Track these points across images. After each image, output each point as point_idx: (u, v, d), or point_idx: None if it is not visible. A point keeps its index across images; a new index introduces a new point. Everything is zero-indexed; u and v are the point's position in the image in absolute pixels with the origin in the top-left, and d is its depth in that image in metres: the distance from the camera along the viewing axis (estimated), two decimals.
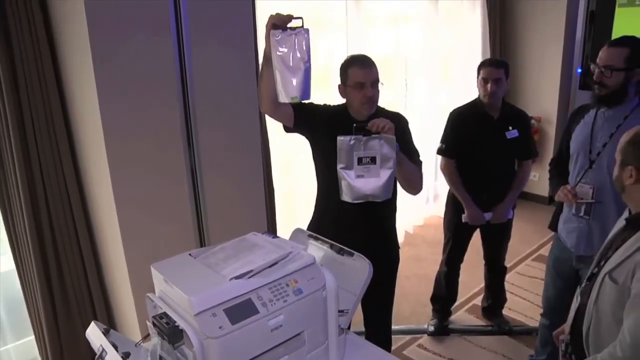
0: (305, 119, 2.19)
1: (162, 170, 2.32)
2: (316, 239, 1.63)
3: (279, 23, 1.80)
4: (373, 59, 2.19)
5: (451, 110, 3.06)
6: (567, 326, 1.79)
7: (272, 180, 3.32)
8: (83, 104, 2.27)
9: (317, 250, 1.61)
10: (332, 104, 2.31)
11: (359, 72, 2.14)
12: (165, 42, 2.22)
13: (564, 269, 2.41)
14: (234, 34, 2.44)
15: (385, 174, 2.03)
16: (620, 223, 1.67)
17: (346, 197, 2.06)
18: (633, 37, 2.17)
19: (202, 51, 2.32)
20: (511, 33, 5.25)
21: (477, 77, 2.88)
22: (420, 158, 2.34)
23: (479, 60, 4.65)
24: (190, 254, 1.41)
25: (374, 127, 1.99)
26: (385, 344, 2.56)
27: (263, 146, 3.03)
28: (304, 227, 2.38)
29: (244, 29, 2.51)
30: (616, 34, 4.15)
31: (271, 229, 3.24)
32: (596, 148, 2.22)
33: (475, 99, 2.98)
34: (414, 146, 2.34)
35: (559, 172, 2.45)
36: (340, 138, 2.01)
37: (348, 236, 1.93)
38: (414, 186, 2.28)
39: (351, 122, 2.09)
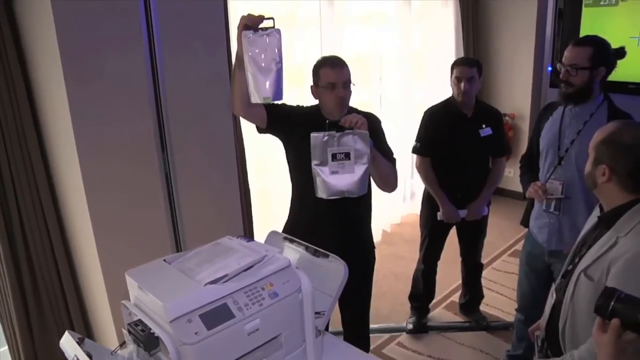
0: (279, 119, 2.20)
1: (136, 176, 2.30)
2: (291, 241, 1.64)
3: (250, 24, 1.82)
4: (347, 58, 2.21)
5: (426, 108, 3.09)
6: (542, 322, 1.81)
7: (247, 182, 3.31)
8: (55, 113, 2.24)
9: (293, 252, 1.61)
10: (305, 105, 2.32)
11: (330, 72, 2.15)
12: (136, 47, 2.19)
13: (536, 264, 2.46)
14: (207, 35, 2.42)
15: (359, 170, 2.04)
16: (593, 220, 1.69)
17: (321, 193, 2.06)
18: (596, 37, 2.23)
19: (174, 54, 2.30)
20: (484, 31, 5.31)
21: (451, 76, 2.92)
22: (395, 157, 2.36)
23: (452, 58, 4.69)
24: (164, 260, 1.40)
25: (347, 122, 2.00)
26: (364, 344, 2.58)
27: (238, 148, 3.02)
28: (281, 227, 2.39)
29: (217, 31, 2.50)
30: (583, 32, 4.24)
31: (248, 231, 3.23)
32: (565, 145, 2.28)
33: (449, 97, 3.02)
34: (387, 145, 2.36)
35: (529, 169, 2.51)
36: (313, 134, 2.01)
37: (324, 236, 1.95)
38: (389, 184, 2.31)
39: (324, 123, 2.10)
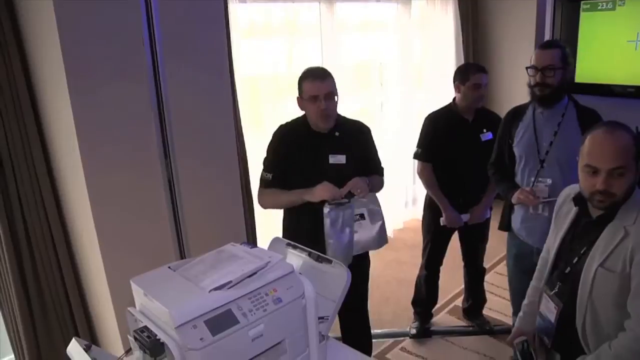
0: (285, 172, 2.31)
1: (140, 184, 2.32)
2: (294, 247, 1.65)
3: (330, 199, 2.13)
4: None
5: (426, 114, 3.11)
6: (530, 332, 1.87)
7: (250, 189, 3.33)
8: (59, 123, 2.26)
9: (296, 258, 1.63)
10: (287, 122, 2.38)
11: (311, 85, 2.18)
12: (139, 56, 2.22)
13: (525, 264, 2.47)
14: (208, 41, 2.44)
15: (376, 226, 2.23)
16: (567, 219, 1.77)
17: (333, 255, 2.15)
18: (557, 40, 2.33)
19: (176, 63, 2.32)
20: (483, 38, 5.33)
21: (460, 82, 2.93)
22: (382, 166, 2.47)
23: (452, 63, 4.72)
24: (169, 267, 1.42)
25: (355, 192, 2.17)
26: (367, 348, 2.59)
27: (240, 155, 3.04)
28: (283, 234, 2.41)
29: (217, 37, 2.52)
30: (581, 37, 4.26)
31: (251, 238, 3.25)
32: (543, 147, 2.35)
33: (450, 103, 3.04)
34: (377, 156, 2.44)
35: (504, 175, 2.55)
36: (325, 210, 2.16)
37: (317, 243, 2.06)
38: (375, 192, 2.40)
39: (312, 135, 2.23)
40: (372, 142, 2.42)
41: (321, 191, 2.14)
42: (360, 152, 2.32)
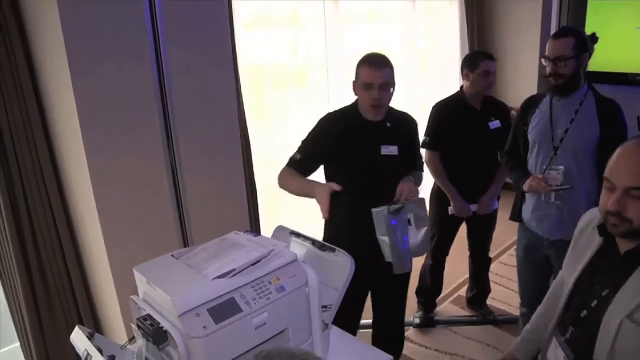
0: (321, 161, 2.25)
1: (142, 171, 2.32)
2: (298, 235, 1.65)
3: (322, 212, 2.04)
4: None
5: (429, 106, 3.08)
6: None
7: (253, 177, 3.32)
8: (61, 110, 2.25)
9: (299, 247, 1.63)
10: (336, 110, 2.30)
11: (367, 72, 2.10)
12: (142, 43, 2.21)
13: (535, 256, 2.46)
14: (211, 34, 2.43)
15: (421, 232, 2.14)
16: (589, 249, 1.47)
17: (388, 258, 2.11)
18: (573, 27, 2.29)
19: (179, 51, 2.31)
20: (489, 27, 5.29)
21: (469, 70, 2.91)
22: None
23: (457, 53, 4.68)
24: (172, 255, 1.42)
25: (402, 197, 2.08)
26: (399, 344, 2.63)
27: (243, 143, 3.03)
28: (287, 223, 2.40)
29: (221, 29, 2.50)
30: (589, 25, 4.22)
31: (254, 227, 3.25)
32: (558, 134, 2.31)
33: (457, 91, 3.03)
34: (420, 150, 2.41)
35: (517, 163, 2.52)
36: (374, 210, 2.07)
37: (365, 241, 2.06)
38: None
39: (363, 124, 2.14)
40: (418, 136, 2.38)
41: (320, 198, 2.03)
42: (409, 144, 2.28)
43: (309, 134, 2.26)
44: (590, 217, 1.53)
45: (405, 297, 2.54)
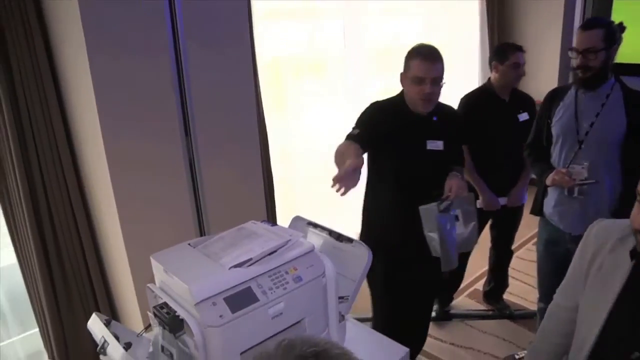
0: (369, 144, 2.12)
1: (160, 161, 2.32)
2: (315, 226, 1.64)
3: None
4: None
5: (451, 98, 3.03)
6: None
7: (270, 168, 3.31)
8: (79, 95, 2.26)
9: (316, 237, 1.61)
10: (381, 99, 2.23)
11: (419, 65, 2.03)
12: (161, 36, 2.20)
13: (556, 250, 2.42)
14: (231, 27, 2.42)
15: (469, 227, 2.13)
16: (615, 275, 1.26)
17: (435, 253, 2.09)
18: (602, 18, 2.22)
19: (199, 44, 2.31)
20: (509, 19, 5.22)
21: (498, 62, 2.89)
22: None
23: (477, 47, 4.63)
24: (189, 244, 1.41)
25: (452, 196, 2.04)
26: (420, 343, 2.59)
27: (261, 134, 3.02)
28: (303, 213, 2.38)
29: (241, 24, 2.49)
30: (615, 17, 4.13)
31: (270, 217, 3.24)
32: (583, 128, 2.25)
33: (485, 83, 3.00)
34: (462, 146, 2.39)
35: (540, 157, 2.46)
36: (422, 207, 2.05)
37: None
38: None
39: (409, 116, 2.10)
40: (463, 130, 2.35)
41: (349, 153, 1.89)
42: (454, 139, 2.23)
43: (362, 115, 2.16)
44: (606, 232, 1.32)
45: (434, 298, 2.52)
